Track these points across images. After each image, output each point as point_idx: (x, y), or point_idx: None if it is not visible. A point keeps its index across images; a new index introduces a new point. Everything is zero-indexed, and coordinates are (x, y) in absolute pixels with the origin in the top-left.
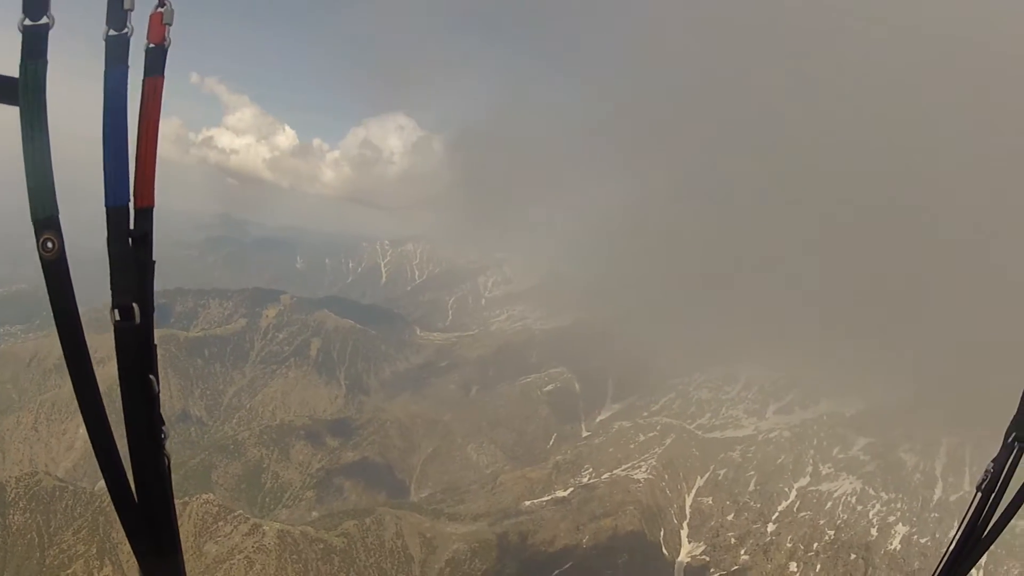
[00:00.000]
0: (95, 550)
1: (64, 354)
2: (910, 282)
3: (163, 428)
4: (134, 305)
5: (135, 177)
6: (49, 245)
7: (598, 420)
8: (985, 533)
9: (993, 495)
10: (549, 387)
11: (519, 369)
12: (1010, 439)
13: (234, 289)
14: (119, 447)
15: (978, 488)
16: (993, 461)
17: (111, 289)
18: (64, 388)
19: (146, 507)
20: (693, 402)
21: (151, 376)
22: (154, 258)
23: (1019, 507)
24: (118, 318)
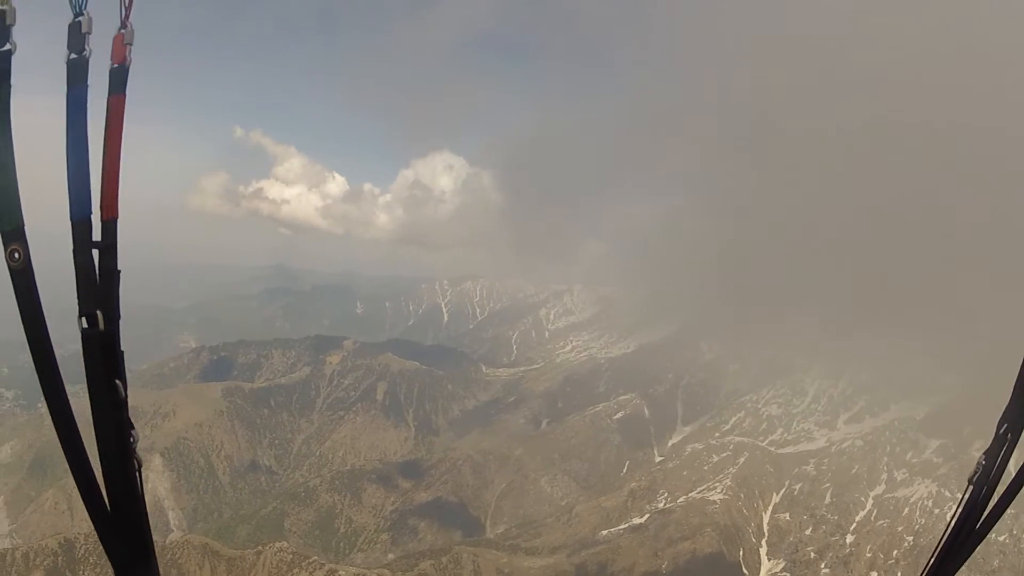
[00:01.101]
0: None
1: (33, 359)
2: (966, 274)
3: (132, 432)
4: (98, 312)
5: (101, 190)
6: (16, 255)
7: (670, 444)
8: (978, 525)
9: (985, 487)
10: (619, 415)
11: (587, 399)
12: (1002, 430)
13: (296, 338)
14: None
15: (970, 481)
16: (985, 453)
17: (78, 298)
18: None
19: (117, 509)
20: (764, 418)
21: (117, 381)
22: (119, 267)
23: (1012, 499)
24: (85, 325)
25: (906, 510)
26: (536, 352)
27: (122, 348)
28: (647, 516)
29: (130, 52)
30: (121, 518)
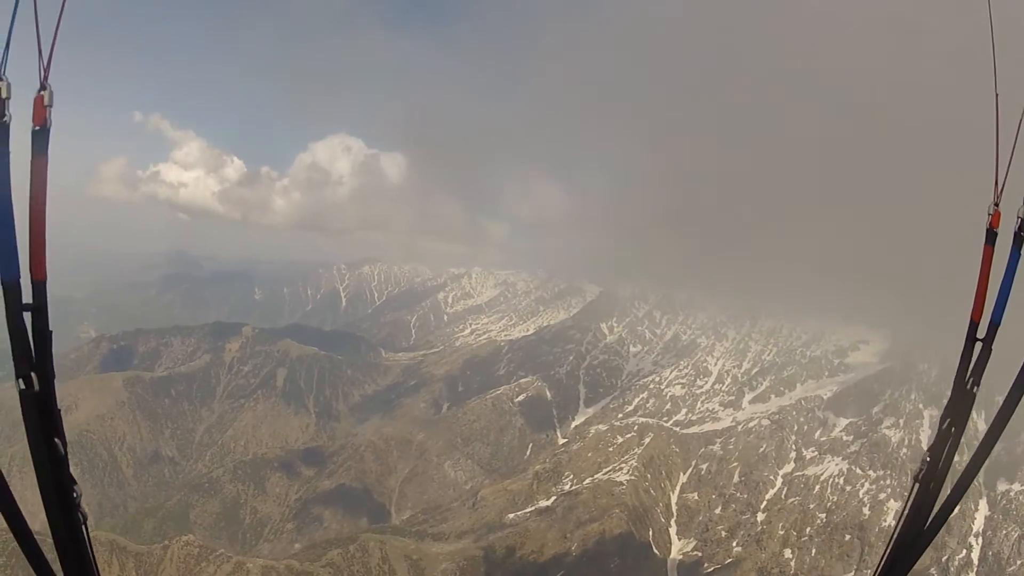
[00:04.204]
0: None
1: None
2: (878, 254)
3: (75, 488)
4: (32, 375)
5: (30, 252)
6: None
7: (573, 426)
8: (927, 525)
9: (932, 484)
10: (520, 397)
11: (488, 382)
12: (945, 425)
13: (194, 325)
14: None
15: (915, 478)
16: (930, 450)
17: (13, 360)
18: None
19: (66, 566)
20: (667, 399)
21: (56, 439)
22: (51, 328)
23: (961, 496)
24: (22, 387)
25: (817, 488)
26: (435, 336)
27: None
28: (553, 499)
29: (51, 114)
30: (70, 572)
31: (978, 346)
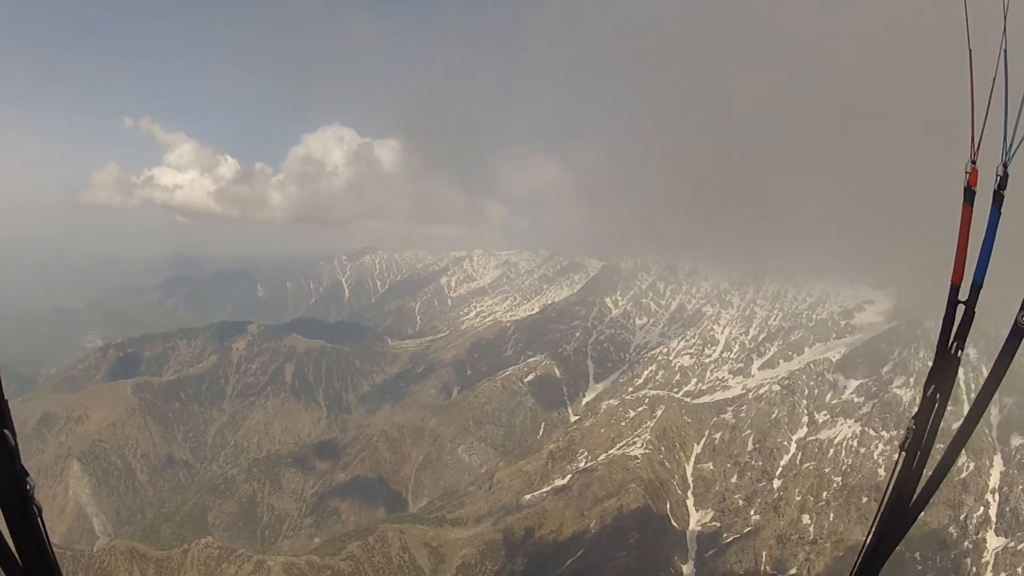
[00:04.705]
0: None
1: None
2: (878, 213)
3: (28, 479)
4: None
5: None
6: None
7: (584, 403)
8: (915, 497)
9: (919, 454)
10: (530, 377)
11: (496, 363)
12: (929, 392)
13: (200, 327)
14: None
15: (902, 448)
16: (914, 418)
17: None
18: (47, 452)
19: (24, 556)
20: (676, 370)
21: (5, 431)
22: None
23: (950, 465)
24: None
25: (831, 451)
26: (440, 321)
27: (5, 398)
28: (569, 477)
29: None
30: (28, 563)
31: (961, 309)
